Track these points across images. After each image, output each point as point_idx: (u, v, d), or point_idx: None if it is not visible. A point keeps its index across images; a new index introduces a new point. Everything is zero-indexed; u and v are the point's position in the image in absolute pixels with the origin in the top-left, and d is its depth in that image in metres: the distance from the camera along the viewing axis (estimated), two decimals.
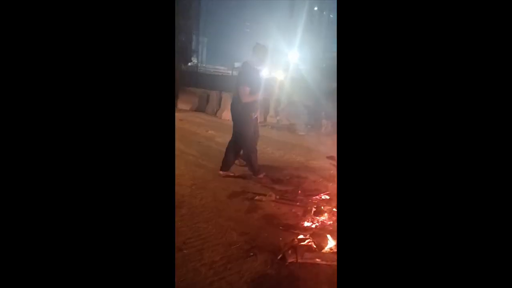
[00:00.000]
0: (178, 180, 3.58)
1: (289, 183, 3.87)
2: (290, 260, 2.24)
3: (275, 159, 5.15)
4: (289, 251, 2.31)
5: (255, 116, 4.17)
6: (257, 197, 3.31)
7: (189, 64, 15.88)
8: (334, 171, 4.35)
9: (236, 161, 4.30)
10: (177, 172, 3.70)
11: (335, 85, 10.48)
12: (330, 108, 9.75)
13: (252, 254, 2.28)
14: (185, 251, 2.23)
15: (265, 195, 3.36)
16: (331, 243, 2.39)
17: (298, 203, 3.27)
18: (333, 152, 5.08)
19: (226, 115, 8.31)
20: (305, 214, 2.98)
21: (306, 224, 2.81)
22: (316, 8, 14.05)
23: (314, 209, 2.98)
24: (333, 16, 14.19)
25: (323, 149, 5.88)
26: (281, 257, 2.27)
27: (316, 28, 13.37)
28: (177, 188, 3.34)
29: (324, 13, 13.80)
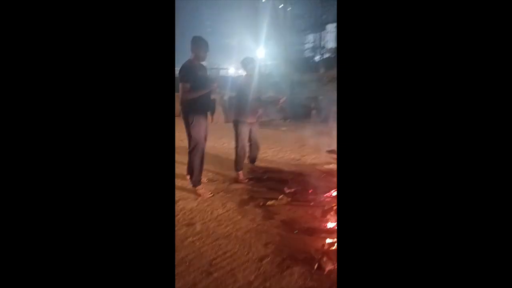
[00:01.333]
0: (182, 194, 3.32)
1: (295, 183, 3.71)
2: (328, 268, 2.07)
3: (270, 159, 4.97)
4: (324, 259, 2.15)
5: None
6: (268, 202, 3.12)
7: None
8: (334, 165, 4.24)
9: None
10: (178, 183, 3.45)
11: (307, 76, 10.50)
12: (306, 99, 9.75)
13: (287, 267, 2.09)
14: (215, 274, 2.00)
15: (276, 199, 3.17)
16: None
17: (311, 203, 3.11)
18: (322, 145, 4.99)
19: (209, 118, 8.02)
20: (324, 214, 2.82)
21: (330, 225, 2.66)
22: (281, 6, 14.02)
23: (334, 208, 2.82)
24: (291, 9, 14.24)
25: (312, 143, 5.79)
26: (317, 267, 2.10)
27: (281, 23, 13.31)
28: (183, 203, 3.10)
29: (289, 9, 13.79)
